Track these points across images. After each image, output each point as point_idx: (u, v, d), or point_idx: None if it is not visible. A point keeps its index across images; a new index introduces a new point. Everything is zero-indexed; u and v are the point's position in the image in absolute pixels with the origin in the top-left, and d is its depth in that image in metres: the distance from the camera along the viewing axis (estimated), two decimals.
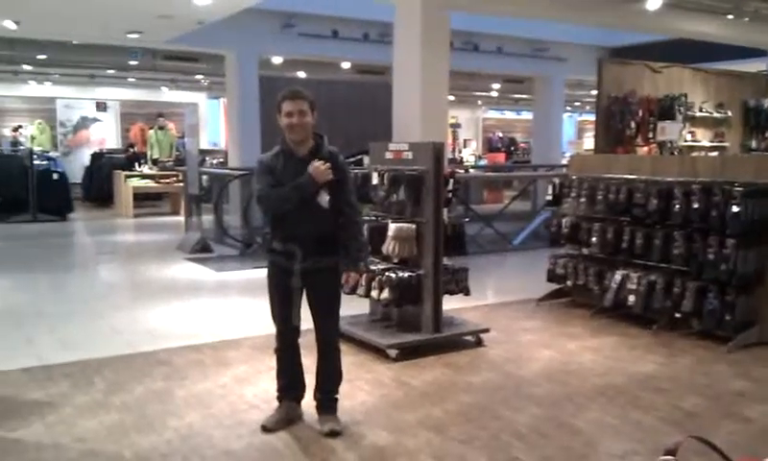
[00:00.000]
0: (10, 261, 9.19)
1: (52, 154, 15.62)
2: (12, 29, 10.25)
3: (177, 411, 4.05)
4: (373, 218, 5.45)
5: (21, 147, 15.70)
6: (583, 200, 6.40)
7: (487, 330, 5.49)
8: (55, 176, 13.57)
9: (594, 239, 6.28)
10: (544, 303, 6.75)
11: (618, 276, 6.04)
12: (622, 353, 5.25)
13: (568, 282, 6.62)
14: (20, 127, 17.74)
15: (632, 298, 5.90)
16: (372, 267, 5.23)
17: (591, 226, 6.33)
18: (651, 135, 9.97)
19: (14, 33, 10.68)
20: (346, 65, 14.90)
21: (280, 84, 9.48)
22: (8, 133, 17.80)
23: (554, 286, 6.80)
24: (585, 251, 6.52)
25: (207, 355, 5.10)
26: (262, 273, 4.01)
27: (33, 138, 17.53)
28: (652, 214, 5.83)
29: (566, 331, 5.85)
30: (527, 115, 24.24)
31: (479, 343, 5.40)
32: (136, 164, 15.30)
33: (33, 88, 18.94)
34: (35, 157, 13.67)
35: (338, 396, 3.89)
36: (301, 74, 15.64)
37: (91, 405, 4.12)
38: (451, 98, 15.55)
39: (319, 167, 3.60)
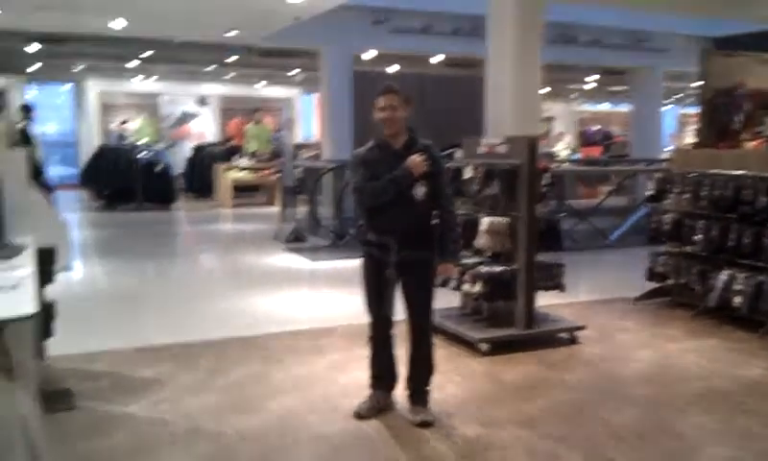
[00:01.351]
0: (119, 248, 9.73)
1: (156, 146, 16.38)
2: (122, 28, 10.82)
3: (274, 394, 4.19)
4: (466, 212, 5.44)
5: (127, 140, 16.54)
6: (686, 196, 6.15)
7: (582, 328, 5.38)
8: (159, 168, 14.24)
9: (698, 237, 6.03)
10: (642, 302, 6.53)
11: (724, 275, 5.77)
12: (726, 357, 5.02)
13: (669, 281, 6.38)
14: (126, 121, 18.70)
15: (738, 299, 5.63)
16: (465, 261, 5.23)
17: (695, 223, 6.08)
18: (759, 130, 9.44)
19: (123, 32, 11.27)
20: (437, 59, 14.87)
21: (372, 79, 9.60)
22: (115, 126, 18.79)
23: (653, 285, 6.57)
24: (687, 249, 6.27)
25: (302, 342, 5.24)
26: (354, 263, 4.09)
27: (139, 131, 18.44)
28: (760, 212, 5.54)
29: (666, 332, 5.65)
30: (624, 108, 23.44)
31: (573, 341, 5.30)
32: (235, 157, 15.82)
33: (138, 84, 19.91)
34: (140, 149, 14.39)
35: (430, 387, 3.92)
36: (393, 69, 15.73)
37: (195, 385, 4.33)
38: (545, 91, 15.25)
39: (415, 160, 3.63)
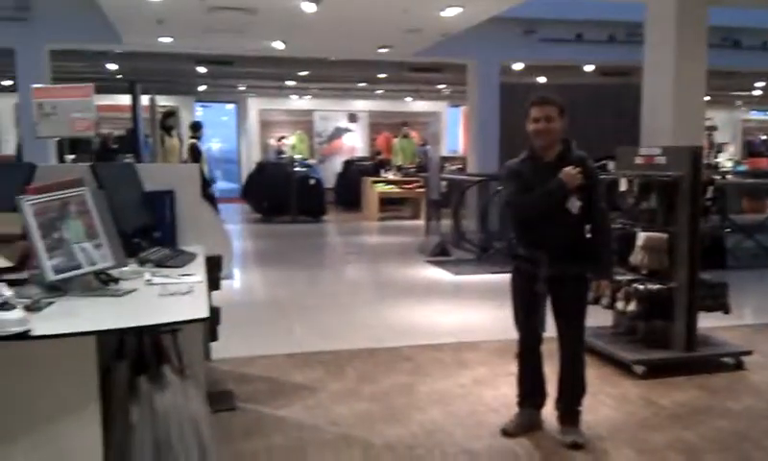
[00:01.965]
0: (273, 258, 10.26)
1: (310, 162, 17.13)
2: (280, 49, 11.44)
3: (420, 406, 4.23)
4: (621, 226, 5.21)
5: (284, 156, 17.42)
6: None
7: (749, 353, 4.98)
8: (312, 182, 14.87)
9: None
10: None
11: None
12: None
13: None
14: (283, 137, 19.70)
15: None
16: (619, 277, 5.01)
17: None
18: None
19: (282, 52, 11.91)
20: (588, 68, 14.43)
21: (521, 91, 9.44)
22: (273, 143, 19.86)
23: None
24: None
25: (447, 355, 5.25)
26: (498, 278, 4.06)
27: (293, 147, 19.37)
28: None
29: None
30: None
31: (739, 366, 4.91)
32: (382, 171, 16.19)
33: (294, 102, 20.93)
34: (295, 164, 15.11)
35: (581, 408, 3.79)
36: (542, 79, 15.44)
37: (344, 393, 4.46)
38: (706, 98, 14.36)
39: (569, 172, 3.54)
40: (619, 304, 5.03)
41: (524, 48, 12.16)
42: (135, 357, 2.51)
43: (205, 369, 3.65)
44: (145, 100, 9.25)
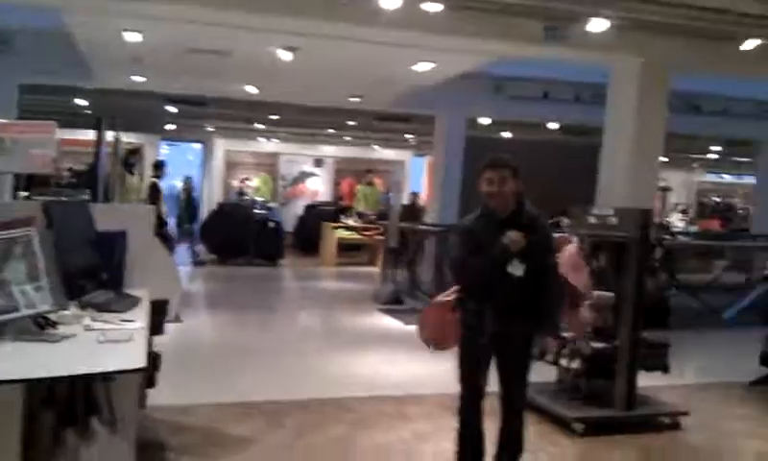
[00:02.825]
0: (226, 301, 10.16)
1: (271, 204, 17.09)
2: (254, 93, 11.58)
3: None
4: None
5: (246, 197, 17.38)
6: None
7: (686, 413, 5.09)
8: (271, 224, 14.77)
9: None
10: (757, 387, 6.10)
11: None
12: None
13: None
14: (247, 179, 19.68)
15: None
16: (565, 334, 5.10)
17: None
18: None
19: (254, 97, 12.03)
20: (553, 126, 14.78)
21: (486, 145, 9.55)
22: (236, 183, 19.82)
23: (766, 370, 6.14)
24: None
25: (391, 407, 5.24)
26: None
27: (257, 190, 19.35)
28: None
29: None
30: (750, 180, 22.29)
31: (676, 426, 5.02)
32: (342, 216, 16.22)
33: (261, 144, 20.96)
34: (256, 206, 15.06)
35: None
36: (508, 135, 15.76)
37: (281, 447, 4.40)
38: (664, 160, 14.80)
39: (513, 237, 3.55)
40: (563, 361, 5.12)
41: (492, 104, 12.38)
42: (64, 407, 2.48)
43: (140, 417, 3.60)
44: (112, 136, 9.21)
